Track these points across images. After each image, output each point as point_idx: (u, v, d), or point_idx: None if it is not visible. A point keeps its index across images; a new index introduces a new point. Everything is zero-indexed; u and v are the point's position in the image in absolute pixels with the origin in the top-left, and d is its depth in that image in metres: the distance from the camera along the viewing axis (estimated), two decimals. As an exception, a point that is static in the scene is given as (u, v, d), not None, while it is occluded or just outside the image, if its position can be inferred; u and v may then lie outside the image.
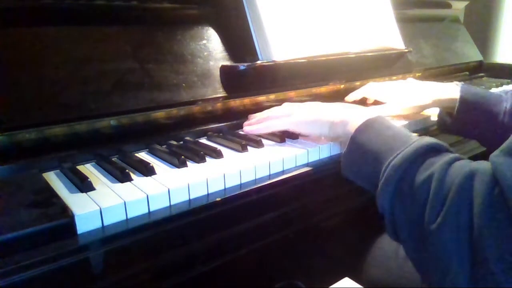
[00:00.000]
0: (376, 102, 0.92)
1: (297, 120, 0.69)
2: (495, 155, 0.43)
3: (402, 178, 0.48)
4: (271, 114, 0.74)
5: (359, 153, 0.56)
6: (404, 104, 0.85)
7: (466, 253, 0.41)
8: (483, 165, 0.44)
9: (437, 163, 0.47)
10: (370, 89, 0.90)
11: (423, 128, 0.87)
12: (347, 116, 0.62)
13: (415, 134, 0.56)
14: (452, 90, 0.80)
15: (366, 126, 0.57)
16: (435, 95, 0.82)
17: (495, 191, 0.41)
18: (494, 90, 1.23)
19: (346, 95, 0.93)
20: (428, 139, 0.51)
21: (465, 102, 0.76)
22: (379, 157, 0.53)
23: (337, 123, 0.63)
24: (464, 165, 0.46)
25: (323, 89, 0.96)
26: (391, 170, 0.49)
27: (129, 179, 0.54)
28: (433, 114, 0.89)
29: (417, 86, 0.86)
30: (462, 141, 0.93)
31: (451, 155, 0.48)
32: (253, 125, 0.74)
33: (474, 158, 0.48)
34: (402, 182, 0.48)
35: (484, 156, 0.49)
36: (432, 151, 0.49)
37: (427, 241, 0.45)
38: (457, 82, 0.82)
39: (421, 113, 0.89)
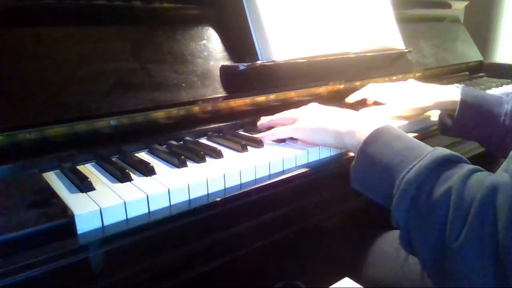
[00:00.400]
0: (376, 103, 0.92)
1: (303, 128, 0.68)
2: None
3: (417, 193, 0.47)
4: (279, 118, 0.74)
5: (369, 166, 0.55)
6: (405, 105, 0.85)
7: (490, 271, 0.40)
8: (503, 178, 0.43)
9: (454, 176, 0.45)
10: (371, 90, 0.90)
11: (423, 129, 0.87)
12: (354, 126, 0.61)
13: (425, 145, 0.54)
14: (452, 92, 0.79)
15: (374, 137, 0.55)
16: (436, 97, 0.82)
17: None
18: (494, 90, 1.23)
19: (346, 95, 0.93)
20: (441, 151, 0.49)
21: (465, 104, 0.76)
22: (391, 170, 0.51)
23: (344, 133, 0.62)
24: (484, 179, 0.44)
25: (323, 89, 0.96)
26: (406, 185, 0.47)
27: (129, 179, 0.54)
28: (433, 114, 0.89)
29: (418, 87, 0.86)
30: (462, 141, 0.93)
31: (468, 167, 0.47)
32: (261, 133, 0.74)
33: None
34: (418, 197, 0.46)
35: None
36: (447, 163, 0.48)
37: (448, 259, 0.43)
38: (458, 85, 0.82)
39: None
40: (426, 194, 0.46)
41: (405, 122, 0.84)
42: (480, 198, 0.42)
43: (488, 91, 1.20)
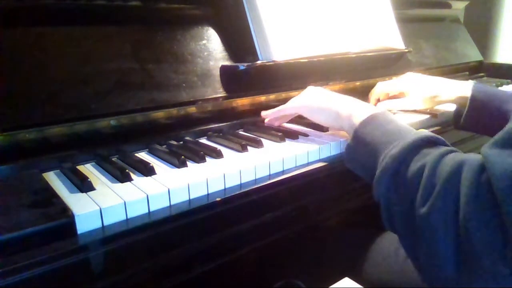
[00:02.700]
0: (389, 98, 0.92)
1: (309, 104, 0.71)
2: (486, 146, 0.44)
3: (398, 168, 0.50)
4: (286, 108, 0.77)
5: (361, 145, 0.58)
6: (425, 94, 0.86)
7: (452, 239, 0.43)
8: (473, 156, 0.45)
9: (431, 154, 0.48)
10: (385, 84, 0.91)
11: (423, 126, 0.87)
12: (353, 109, 0.64)
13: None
14: (465, 88, 0.82)
15: (369, 120, 0.59)
16: (453, 91, 0.84)
17: (481, 179, 0.42)
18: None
19: (346, 95, 0.93)
20: (425, 132, 0.53)
21: (475, 100, 0.78)
22: (379, 148, 0.55)
23: (344, 115, 0.65)
24: (456, 156, 0.47)
25: (323, 89, 0.96)
26: (388, 160, 0.51)
27: (129, 179, 0.54)
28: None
29: (435, 80, 0.88)
30: (465, 140, 0.94)
31: (446, 148, 0.50)
32: (265, 111, 0.78)
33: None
34: (398, 172, 0.50)
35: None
36: (428, 143, 0.51)
37: (417, 226, 0.46)
38: (472, 81, 0.83)
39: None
40: (404, 170, 0.49)
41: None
42: (447, 171, 0.45)
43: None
